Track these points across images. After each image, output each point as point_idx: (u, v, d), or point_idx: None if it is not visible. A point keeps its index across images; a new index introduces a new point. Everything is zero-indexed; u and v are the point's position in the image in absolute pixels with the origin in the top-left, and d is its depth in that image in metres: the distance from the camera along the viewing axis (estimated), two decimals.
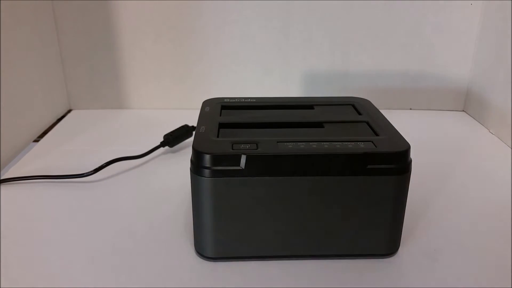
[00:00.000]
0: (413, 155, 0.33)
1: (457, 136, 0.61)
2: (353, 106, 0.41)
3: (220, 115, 0.39)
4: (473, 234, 0.39)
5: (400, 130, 0.36)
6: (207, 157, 0.31)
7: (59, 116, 0.66)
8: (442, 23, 0.64)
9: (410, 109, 0.69)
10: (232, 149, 0.32)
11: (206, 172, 0.31)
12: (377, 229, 0.34)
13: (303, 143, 0.32)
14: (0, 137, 0.50)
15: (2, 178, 0.47)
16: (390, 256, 0.35)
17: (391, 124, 0.37)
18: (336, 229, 0.33)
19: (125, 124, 0.64)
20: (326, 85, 0.67)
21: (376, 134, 0.35)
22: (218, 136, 0.34)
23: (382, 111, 0.40)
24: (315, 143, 0.32)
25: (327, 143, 0.32)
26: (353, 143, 0.33)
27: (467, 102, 0.68)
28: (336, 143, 0.32)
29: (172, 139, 0.53)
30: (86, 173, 0.47)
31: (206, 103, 0.41)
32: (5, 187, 0.46)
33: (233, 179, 0.31)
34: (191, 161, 0.32)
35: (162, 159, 0.53)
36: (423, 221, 0.40)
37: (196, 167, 0.32)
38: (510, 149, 0.56)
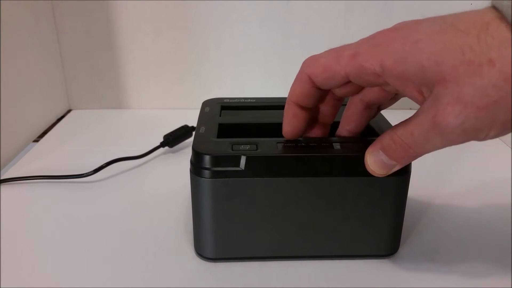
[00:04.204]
0: None
1: None
2: None
3: (220, 116, 0.39)
4: (473, 234, 0.39)
5: None
6: (207, 158, 0.31)
7: (59, 116, 0.66)
8: None
9: (410, 109, 0.68)
10: (232, 150, 0.31)
11: (206, 173, 0.31)
12: (377, 229, 0.34)
13: (303, 144, 0.32)
14: (0, 137, 0.50)
15: (2, 178, 0.47)
16: (390, 257, 0.35)
17: (391, 124, 0.37)
18: (336, 230, 0.33)
19: (125, 124, 0.64)
20: None
21: (376, 135, 0.35)
22: (217, 137, 0.34)
23: (382, 111, 0.40)
24: (315, 144, 0.32)
25: (327, 143, 0.32)
26: (353, 144, 0.33)
27: None
28: (336, 143, 0.32)
29: (172, 139, 0.53)
30: (86, 173, 0.47)
31: (206, 103, 0.41)
32: (5, 187, 0.46)
33: (233, 180, 0.31)
34: (191, 161, 0.32)
35: (162, 159, 0.53)
36: (423, 221, 0.40)
37: (196, 168, 0.31)
38: (510, 149, 0.56)
